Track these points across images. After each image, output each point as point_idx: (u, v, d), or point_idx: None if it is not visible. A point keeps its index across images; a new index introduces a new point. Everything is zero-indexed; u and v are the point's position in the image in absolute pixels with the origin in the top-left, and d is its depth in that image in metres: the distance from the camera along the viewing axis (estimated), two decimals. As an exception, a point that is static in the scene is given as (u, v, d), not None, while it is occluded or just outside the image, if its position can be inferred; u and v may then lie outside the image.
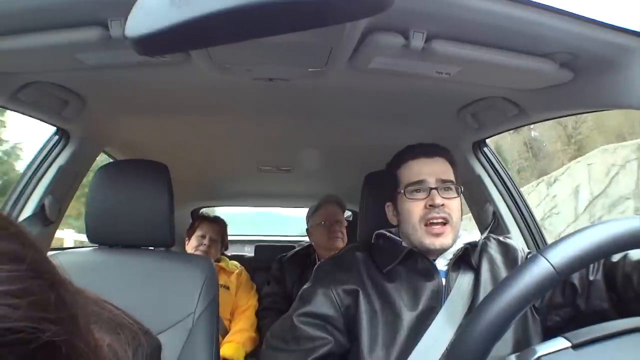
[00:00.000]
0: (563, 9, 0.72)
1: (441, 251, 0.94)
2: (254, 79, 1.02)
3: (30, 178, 1.29)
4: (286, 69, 0.99)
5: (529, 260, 0.48)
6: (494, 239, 1.02)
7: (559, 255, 0.46)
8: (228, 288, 1.91)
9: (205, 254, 1.90)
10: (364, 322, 0.89)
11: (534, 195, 7.16)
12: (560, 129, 15.28)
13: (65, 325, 0.25)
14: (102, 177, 1.10)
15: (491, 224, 1.49)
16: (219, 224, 2.08)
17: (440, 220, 0.92)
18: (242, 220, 4.69)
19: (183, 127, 1.52)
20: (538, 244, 1.42)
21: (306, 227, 2.09)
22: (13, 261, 0.24)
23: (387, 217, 1.04)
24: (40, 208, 1.28)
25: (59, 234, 2.55)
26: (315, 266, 1.04)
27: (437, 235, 0.92)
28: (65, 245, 4.54)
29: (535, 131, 16.28)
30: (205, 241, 1.96)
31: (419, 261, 0.94)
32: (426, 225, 0.92)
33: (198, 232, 1.99)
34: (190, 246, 1.98)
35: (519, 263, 0.96)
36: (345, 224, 2.01)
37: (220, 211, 3.16)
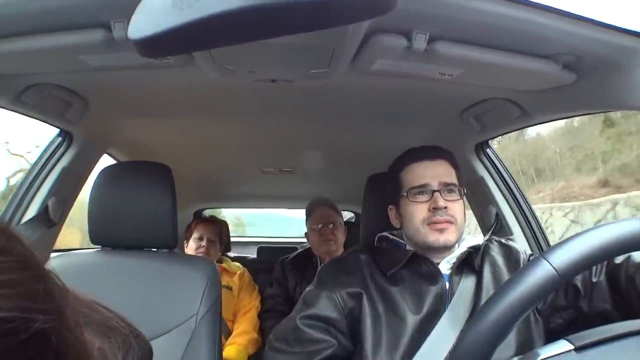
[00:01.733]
0: (566, 10, 0.72)
1: (445, 249, 0.94)
2: (256, 80, 1.02)
3: (34, 180, 1.29)
4: (289, 71, 0.99)
5: (531, 262, 0.47)
6: (496, 241, 1.02)
7: (561, 258, 0.46)
8: (231, 289, 1.89)
9: (205, 256, 1.88)
10: (368, 325, 0.88)
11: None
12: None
13: (55, 316, 0.25)
14: (104, 178, 1.10)
15: (494, 226, 1.48)
16: (216, 224, 2.03)
17: (444, 222, 0.92)
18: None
19: (186, 129, 1.52)
20: (541, 245, 1.41)
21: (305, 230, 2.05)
22: (0, 253, 0.24)
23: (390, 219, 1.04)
24: (44, 210, 1.28)
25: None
26: (319, 269, 1.03)
27: (441, 231, 0.91)
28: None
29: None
30: (203, 243, 1.93)
31: (422, 265, 0.93)
32: (429, 224, 0.92)
33: (195, 234, 1.96)
34: (190, 249, 1.95)
35: (521, 265, 0.95)
36: (341, 225, 1.94)
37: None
